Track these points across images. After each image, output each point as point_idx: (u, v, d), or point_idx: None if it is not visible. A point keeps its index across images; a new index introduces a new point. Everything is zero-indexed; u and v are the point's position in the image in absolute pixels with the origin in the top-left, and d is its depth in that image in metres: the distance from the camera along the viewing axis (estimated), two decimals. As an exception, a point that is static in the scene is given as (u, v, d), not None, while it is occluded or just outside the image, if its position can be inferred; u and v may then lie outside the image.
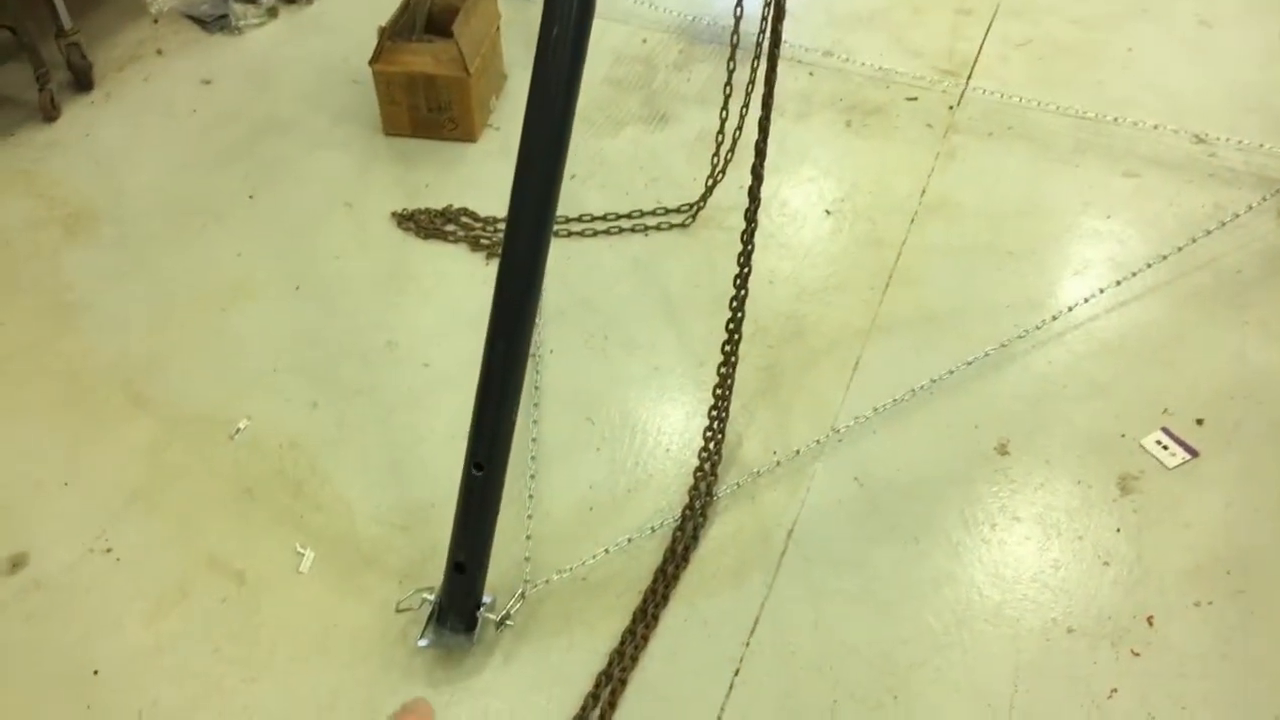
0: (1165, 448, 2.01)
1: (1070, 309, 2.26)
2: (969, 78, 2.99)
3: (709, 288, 2.37)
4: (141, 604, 1.77)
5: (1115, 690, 1.66)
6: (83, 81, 2.89)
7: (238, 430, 2.05)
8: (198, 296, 2.33)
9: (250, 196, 2.60)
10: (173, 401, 2.10)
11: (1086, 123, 2.79)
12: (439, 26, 2.79)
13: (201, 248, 2.45)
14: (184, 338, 2.24)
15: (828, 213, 2.59)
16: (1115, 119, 2.78)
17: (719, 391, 1.93)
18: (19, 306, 2.30)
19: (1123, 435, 2.04)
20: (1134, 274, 2.31)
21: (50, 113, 2.78)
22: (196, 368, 2.17)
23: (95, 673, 1.67)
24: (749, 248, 1.85)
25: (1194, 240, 2.36)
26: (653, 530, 1.87)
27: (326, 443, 2.03)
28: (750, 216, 1.82)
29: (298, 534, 1.87)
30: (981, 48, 3.11)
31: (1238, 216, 2.43)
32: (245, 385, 2.14)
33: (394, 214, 2.55)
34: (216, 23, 3.16)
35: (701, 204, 2.57)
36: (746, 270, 1.87)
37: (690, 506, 1.91)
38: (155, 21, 3.18)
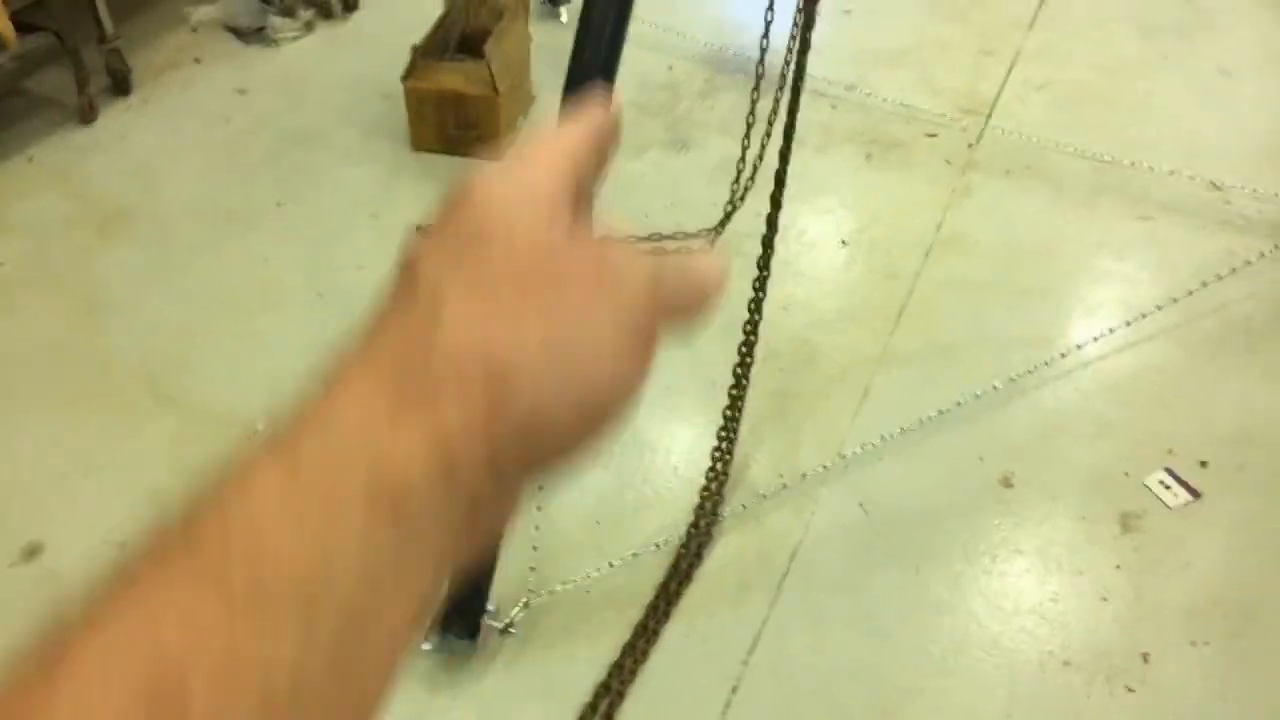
0: (1168, 488, 2.03)
1: (1079, 347, 2.29)
2: (989, 117, 3.03)
3: (724, 312, 2.37)
4: (155, 596, 1.80)
5: (1109, 725, 1.68)
6: (121, 86, 2.97)
7: (256, 431, 2.09)
8: (225, 300, 2.39)
9: (279, 204, 2.66)
10: (195, 400, 2.15)
11: (1104, 165, 2.83)
12: (471, 47, 2.85)
13: (230, 252, 2.51)
14: (209, 339, 2.29)
15: (844, 243, 2.63)
16: (1132, 163, 2.81)
17: (729, 414, 1.96)
18: (53, 303, 2.36)
19: (1126, 474, 2.06)
20: (1144, 315, 2.33)
21: (89, 115, 2.86)
22: (220, 369, 2.23)
23: (107, 661, 1.71)
24: (765, 273, 1.89)
25: (1205, 285, 2.39)
26: (657, 547, 1.90)
27: (342, 447, 2.07)
28: (768, 243, 1.86)
29: (310, 535, 1.91)
30: (1003, 88, 3.15)
31: (1249, 264, 2.45)
32: (266, 388, 2.18)
33: (419, 227, 2.58)
34: (254, 34, 3.23)
35: (720, 229, 2.60)
36: (761, 295, 1.90)
37: (695, 525, 1.94)
38: (194, 31, 3.26)
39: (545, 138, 0.38)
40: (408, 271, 0.36)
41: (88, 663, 0.26)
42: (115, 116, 2.92)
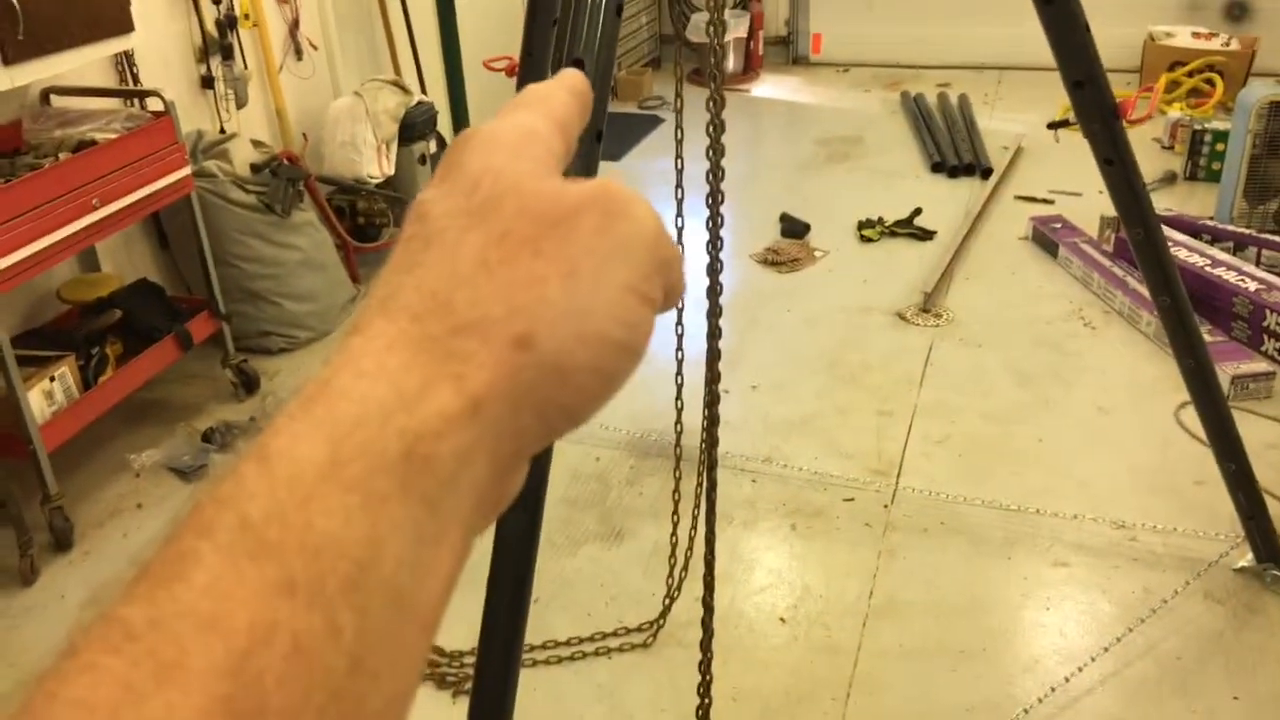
0: None
1: (1026, 711, 2.31)
2: (898, 476, 3.23)
3: (673, 709, 2.39)
4: None
5: None
6: (63, 543, 3.01)
7: None
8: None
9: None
10: None
11: (1012, 514, 3.00)
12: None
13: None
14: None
15: (782, 620, 2.69)
16: (1037, 510, 2.99)
17: (691, 837, 1.91)
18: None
19: (1101, 847, 2.02)
20: (1080, 668, 2.39)
21: (29, 577, 2.88)
22: None
23: None
24: (708, 677, 1.92)
25: (1130, 630, 2.48)
26: None
27: None
28: (705, 646, 1.91)
29: None
30: (906, 446, 3.39)
31: (1165, 602, 2.56)
32: None
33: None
34: (196, 472, 3.37)
35: (661, 621, 2.66)
36: (708, 701, 1.92)
37: None
38: (137, 476, 3.38)
39: (533, 91, 0.40)
40: (419, 223, 0.36)
41: (157, 660, 0.26)
42: (55, 574, 2.95)
